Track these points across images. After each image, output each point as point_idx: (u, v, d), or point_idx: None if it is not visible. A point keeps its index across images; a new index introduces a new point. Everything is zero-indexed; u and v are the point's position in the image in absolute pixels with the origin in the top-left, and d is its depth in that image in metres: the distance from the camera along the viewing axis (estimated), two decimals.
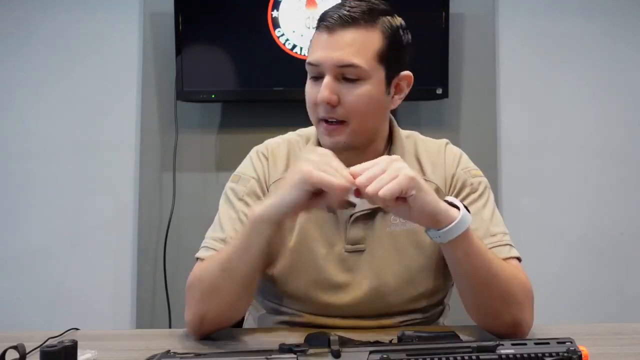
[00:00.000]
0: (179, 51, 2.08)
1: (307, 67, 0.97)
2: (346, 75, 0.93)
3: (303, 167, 0.81)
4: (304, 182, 0.81)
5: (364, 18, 0.93)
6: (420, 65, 2.17)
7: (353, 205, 0.86)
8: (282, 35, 2.08)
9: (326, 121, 0.95)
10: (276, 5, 2.08)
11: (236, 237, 0.91)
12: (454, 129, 2.22)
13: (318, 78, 0.95)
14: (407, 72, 1.00)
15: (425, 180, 1.01)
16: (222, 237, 0.98)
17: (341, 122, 0.94)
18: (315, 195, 0.82)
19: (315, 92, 0.95)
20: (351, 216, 0.99)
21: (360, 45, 0.92)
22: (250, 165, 1.06)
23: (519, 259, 0.98)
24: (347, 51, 0.92)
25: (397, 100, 1.00)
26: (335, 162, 0.82)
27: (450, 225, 0.81)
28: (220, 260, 0.90)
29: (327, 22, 0.93)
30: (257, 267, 0.89)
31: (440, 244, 0.86)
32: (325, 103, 0.93)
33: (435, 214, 0.81)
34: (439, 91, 2.09)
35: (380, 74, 0.95)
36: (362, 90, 0.93)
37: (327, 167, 0.80)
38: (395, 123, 1.05)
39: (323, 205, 0.84)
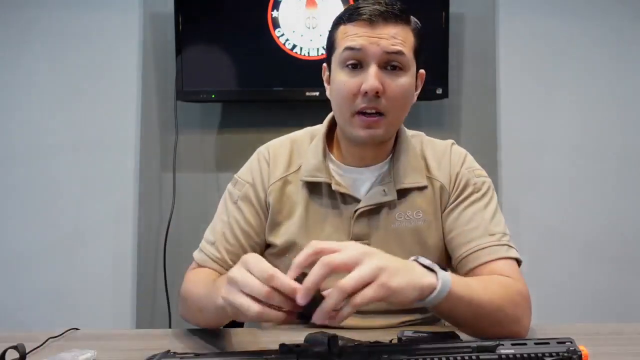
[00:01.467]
0: (179, 51, 2.08)
1: (344, 54, 0.95)
2: (392, 63, 0.94)
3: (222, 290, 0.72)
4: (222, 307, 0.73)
5: (401, 16, 0.95)
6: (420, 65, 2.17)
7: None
8: (282, 35, 2.08)
9: (364, 114, 0.94)
10: (276, 5, 2.08)
11: (208, 298, 0.84)
12: (454, 129, 2.22)
13: (355, 68, 0.95)
14: (422, 71, 1.03)
15: (430, 177, 1.03)
16: (213, 240, 1.04)
17: (379, 114, 0.94)
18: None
19: (355, 82, 0.94)
20: (355, 212, 1.00)
21: (401, 38, 0.94)
22: (249, 169, 1.08)
23: (518, 261, 0.96)
24: (393, 41, 0.93)
25: (415, 97, 1.02)
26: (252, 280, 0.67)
27: (432, 295, 0.74)
28: (198, 303, 0.91)
29: (366, 16, 0.93)
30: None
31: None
32: (373, 93, 0.92)
33: (416, 297, 0.73)
34: (439, 91, 2.09)
35: (413, 68, 0.98)
36: (403, 81, 0.95)
37: (245, 286, 0.68)
38: None
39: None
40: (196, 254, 1.06)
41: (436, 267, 0.76)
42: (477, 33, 2.23)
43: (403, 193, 1.01)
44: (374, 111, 0.94)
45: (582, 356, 0.67)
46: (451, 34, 2.10)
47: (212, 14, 2.09)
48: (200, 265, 1.05)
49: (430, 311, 0.85)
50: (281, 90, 2.08)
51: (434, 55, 2.09)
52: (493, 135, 2.24)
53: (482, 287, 0.84)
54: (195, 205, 2.18)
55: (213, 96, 2.10)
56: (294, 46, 2.08)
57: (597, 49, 2.24)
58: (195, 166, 2.21)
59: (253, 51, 2.09)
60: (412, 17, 0.99)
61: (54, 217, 2.20)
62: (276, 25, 2.08)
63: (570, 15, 2.24)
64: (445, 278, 0.76)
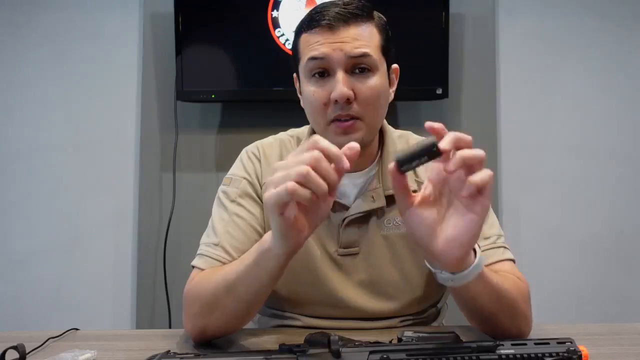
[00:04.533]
0: (179, 51, 2.08)
1: (309, 65, 0.92)
2: (359, 66, 0.91)
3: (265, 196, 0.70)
4: (272, 212, 0.69)
5: (362, 14, 0.92)
6: (421, 65, 2.18)
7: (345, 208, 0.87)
8: (282, 35, 2.08)
9: (339, 120, 0.91)
10: (276, 5, 2.08)
11: (246, 260, 0.81)
12: (454, 129, 2.17)
13: (322, 76, 0.92)
14: (395, 65, 1.00)
15: (419, 182, 1.00)
16: (216, 241, 0.96)
17: (355, 119, 0.91)
18: (304, 208, 0.71)
19: (324, 92, 0.91)
20: (344, 220, 0.98)
21: (365, 39, 0.91)
22: (241, 166, 1.05)
23: (512, 261, 0.96)
24: (356, 44, 0.90)
25: (392, 93, 1.00)
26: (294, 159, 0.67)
27: (466, 271, 0.73)
28: (226, 280, 0.83)
29: (325, 21, 0.90)
30: (265, 292, 0.83)
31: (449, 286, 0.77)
32: (343, 100, 0.89)
33: (458, 258, 0.72)
34: (439, 91, 2.09)
35: (383, 66, 0.94)
36: (374, 82, 0.91)
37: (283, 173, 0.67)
38: (385, 121, 1.04)
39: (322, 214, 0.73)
40: (198, 262, 0.95)
41: (476, 246, 0.74)
42: (477, 33, 2.23)
43: (392, 199, 0.97)
44: (349, 117, 0.91)
45: (582, 356, 0.67)
46: (451, 34, 2.10)
47: (212, 14, 2.09)
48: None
49: (454, 296, 0.83)
50: (281, 90, 2.08)
51: (434, 55, 2.09)
52: (493, 135, 2.24)
53: (501, 277, 0.84)
54: (195, 205, 2.18)
55: (213, 96, 2.10)
56: None
57: (597, 48, 2.24)
58: (195, 166, 2.21)
59: (253, 51, 2.09)
60: (375, 12, 0.95)
61: (54, 217, 2.20)
62: (276, 25, 2.08)
63: (570, 15, 2.24)
64: (481, 258, 0.74)
